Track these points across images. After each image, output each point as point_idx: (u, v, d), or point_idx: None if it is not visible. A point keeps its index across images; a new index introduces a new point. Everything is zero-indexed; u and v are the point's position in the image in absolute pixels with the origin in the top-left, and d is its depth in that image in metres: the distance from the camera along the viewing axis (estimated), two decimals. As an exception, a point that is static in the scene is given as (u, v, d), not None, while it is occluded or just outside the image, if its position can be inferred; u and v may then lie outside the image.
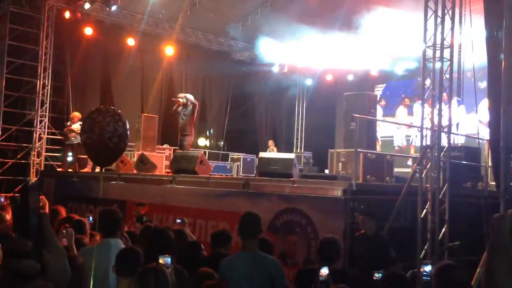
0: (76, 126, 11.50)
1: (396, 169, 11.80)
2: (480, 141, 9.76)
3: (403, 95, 16.45)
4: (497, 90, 6.08)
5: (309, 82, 18.98)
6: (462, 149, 8.55)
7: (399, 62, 15.32)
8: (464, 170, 7.98)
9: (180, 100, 10.32)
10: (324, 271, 3.33)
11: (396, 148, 16.23)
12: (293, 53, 16.36)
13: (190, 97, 10.73)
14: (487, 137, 7.88)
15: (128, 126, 4.14)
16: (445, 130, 6.67)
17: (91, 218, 5.68)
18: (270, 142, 16.45)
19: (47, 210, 7.13)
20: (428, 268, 3.83)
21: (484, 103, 10.56)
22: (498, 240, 1.65)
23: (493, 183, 7.81)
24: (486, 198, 7.26)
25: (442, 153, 6.47)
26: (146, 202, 8.28)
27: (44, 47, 13.39)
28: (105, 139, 3.80)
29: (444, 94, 6.60)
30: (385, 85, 16.87)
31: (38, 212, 2.96)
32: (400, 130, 15.84)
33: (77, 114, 12.02)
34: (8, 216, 4.49)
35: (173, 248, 3.82)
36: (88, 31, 13.76)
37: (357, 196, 6.56)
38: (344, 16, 14.59)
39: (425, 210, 6.28)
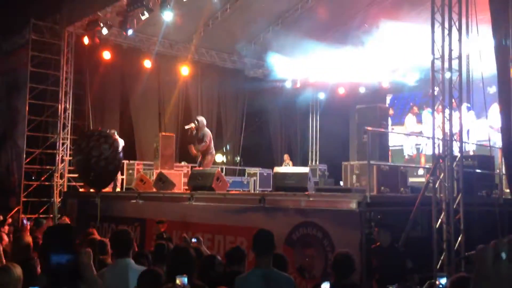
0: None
1: (410, 179, 11.71)
2: (493, 147, 9.61)
3: (411, 103, 16.34)
4: (507, 97, 6.04)
5: (321, 96, 18.97)
6: (475, 158, 8.44)
7: (410, 73, 15.25)
8: (478, 179, 7.87)
9: (193, 125, 10.36)
10: (325, 286, 3.34)
11: (406, 157, 16.06)
12: (305, 68, 16.42)
13: (202, 121, 10.66)
14: (499, 143, 7.78)
15: (118, 146, 4.15)
16: (457, 139, 6.61)
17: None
18: (286, 156, 16.45)
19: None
20: (443, 280, 3.78)
21: (494, 108, 10.43)
22: (482, 271, 1.66)
23: (508, 190, 7.70)
24: (502, 205, 7.15)
25: (454, 163, 6.41)
26: (165, 220, 8.33)
27: (64, 72, 13.67)
28: (91, 164, 3.83)
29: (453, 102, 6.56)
30: (392, 95, 16.81)
31: (88, 266, 3.00)
32: (410, 139, 15.66)
33: (112, 131, 12.21)
34: (29, 238, 4.53)
35: (193, 266, 3.81)
36: (106, 55, 14.02)
37: (372, 208, 6.52)
38: (354, 30, 14.66)
39: (440, 220, 6.20)
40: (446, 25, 6.61)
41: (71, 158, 13.82)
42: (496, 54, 6.82)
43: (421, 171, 13.31)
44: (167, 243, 5.22)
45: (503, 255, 1.61)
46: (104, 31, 12.98)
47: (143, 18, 12.06)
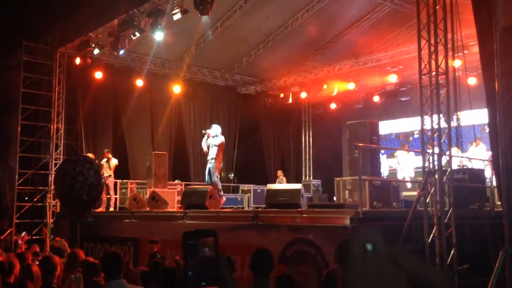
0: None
1: (404, 193, 11.75)
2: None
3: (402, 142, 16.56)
4: (494, 110, 6.12)
5: (314, 111, 19.11)
6: (466, 171, 8.52)
7: (400, 88, 15.44)
8: (469, 192, 7.93)
9: (209, 131, 10.41)
10: None
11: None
12: (296, 84, 16.58)
13: (218, 130, 10.69)
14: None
15: (101, 171, 4.19)
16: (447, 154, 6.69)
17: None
18: (279, 172, 16.48)
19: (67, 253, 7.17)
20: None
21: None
22: (349, 263, 1.71)
23: (499, 203, 7.75)
24: (493, 218, 7.19)
25: (445, 177, 6.47)
26: (158, 239, 8.30)
27: (56, 92, 13.70)
28: (76, 190, 3.84)
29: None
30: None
31: None
32: (402, 167, 15.57)
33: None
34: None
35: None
36: (98, 75, 14.08)
37: (365, 224, 6.54)
38: (345, 46, 14.87)
39: (432, 235, 6.24)
40: (432, 41, 6.74)
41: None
42: (483, 69, 6.93)
43: (409, 185, 13.34)
44: (162, 261, 5.21)
45: (369, 246, 1.64)
46: (96, 51, 13.07)
47: (134, 38, 12.17)
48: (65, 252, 7.17)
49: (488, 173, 9.13)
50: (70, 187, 3.85)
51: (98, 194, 4.16)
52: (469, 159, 10.64)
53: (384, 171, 14.31)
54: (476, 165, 10.09)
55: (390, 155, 16.14)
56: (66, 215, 12.65)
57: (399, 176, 13.85)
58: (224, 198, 11.06)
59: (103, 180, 3.70)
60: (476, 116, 9.49)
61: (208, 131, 10.42)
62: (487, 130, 12.10)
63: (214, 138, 10.31)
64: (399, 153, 15.10)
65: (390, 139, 17.23)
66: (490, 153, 12.22)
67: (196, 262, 2.53)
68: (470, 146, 11.96)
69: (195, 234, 2.55)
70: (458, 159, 9.80)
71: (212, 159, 10.09)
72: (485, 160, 10.04)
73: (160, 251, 8.19)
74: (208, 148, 10.34)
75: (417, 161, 14.01)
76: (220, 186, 10.31)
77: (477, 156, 10.65)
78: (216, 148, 10.20)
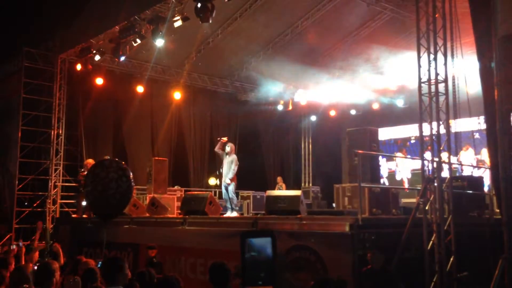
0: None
1: (404, 200, 11.75)
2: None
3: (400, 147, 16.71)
4: (492, 118, 6.12)
5: (313, 118, 19.13)
6: (465, 179, 8.51)
7: (399, 96, 15.51)
8: (468, 200, 7.92)
9: (223, 138, 10.29)
10: None
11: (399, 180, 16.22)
12: (296, 91, 16.61)
13: (233, 147, 10.56)
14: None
15: (132, 178, 4.12)
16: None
17: (100, 263, 5.65)
18: (279, 179, 16.40)
19: (61, 258, 7.16)
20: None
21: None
22: None
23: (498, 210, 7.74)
24: (493, 225, 7.18)
25: (444, 184, 6.46)
26: (155, 245, 8.26)
27: (57, 98, 13.71)
28: (107, 197, 3.79)
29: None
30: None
31: None
32: (400, 169, 15.82)
33: (90, 161, 12.14)
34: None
35: None
36: (99, 81, 14.10)
37: (364, 231, 6.53)
38: (344, 54, 14.91)
39: (431, 242, 6.22)
40: (432, 50, 6.75)
41: (65, 184, 13.78)
42: (481, 77, 6.95)
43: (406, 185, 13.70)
44: (149, 270, 5.11)
45: None
46: (97, 57, 13.09)
47: (135, 44, 12.20)
48: (58, 258, 7.17)
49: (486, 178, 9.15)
50: (103, 194, 3.79)
51: (128, 201, 4.11)
52: (461, 164, 10.83)
53: (384, 173, 14.59)
54: (468, 170, 10.25)
55: (390, 158, 16.52)
56: (67, 221, 12.63)
57: (397, 178, 14.02)
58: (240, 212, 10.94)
59: (133, 184, 3.70)
60: (463, 123, 9.61)
61: (223, 138, 10.31)
62: (476, 136, 12.55)
63: (231, 156, 10.12)
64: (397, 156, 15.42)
65: (389, 144, 17.32)
66: (477, 157, 12.83)
67: (252, 262, 2.51)
68: (461, 150, 12.38)
69: (253, 233, 2.55)
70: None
71: (228, 178, 9.97)
72: (480, 166, 10.13)
73: (157, 256, 8.16)
74: (221, 157, 10.21)
75: (414, 163, 14.51)
76: (236, 201, 10.25)
77: (466, 160, 10.94)
78: (233, 169, 10.01)
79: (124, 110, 15.47)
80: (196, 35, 13.52)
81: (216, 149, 10.28)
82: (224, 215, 9.82)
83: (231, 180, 9.96)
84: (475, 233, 7.15)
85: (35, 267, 5.53)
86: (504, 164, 5.64)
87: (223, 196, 10.15)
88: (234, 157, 10.13)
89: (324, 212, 9.33)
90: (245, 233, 2.52)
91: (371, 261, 5.97)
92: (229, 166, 9.98)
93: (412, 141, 16.29)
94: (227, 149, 10.09)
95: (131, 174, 4.11)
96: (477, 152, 13.17)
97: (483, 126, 6.82)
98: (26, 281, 4.14)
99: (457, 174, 10.23)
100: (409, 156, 15.58)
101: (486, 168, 10.32)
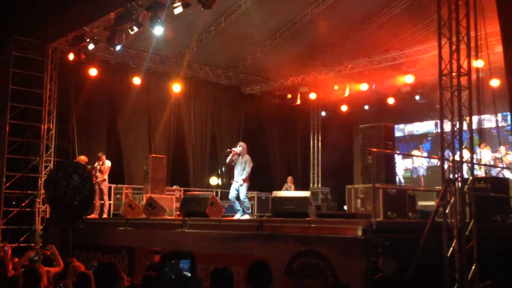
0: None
1: (420, 203, 11.69)
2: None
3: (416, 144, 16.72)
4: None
5: (323, 113, 19.08)
6: (488, 180, 8.45)
7: (416, 90, 15.42)
8: (491, 203, 7.87)
9: (234, 150, 10.28)
10: None
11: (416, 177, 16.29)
12: (305, 84, 16.53)
13: (245, 148, 10.52)
14: None
15: (88, 175, 4.17)
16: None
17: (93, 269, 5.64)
18: (289, 179, 16.12)
19: (60, 261, 7.14)
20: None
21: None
22: None
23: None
24: (517, 231, 7.14)
25: (466, 186, 6.41)
26: (160, 249, 8.24)
27: (48, 90, 13.69)
28: (58, 195, 3.83)
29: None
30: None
31: None
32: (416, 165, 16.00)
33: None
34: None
35: None
36: (93, 71, 14.09)
37: (378, 235, 6.49)
38: (357, 44, 14.83)
39: (451, 248, 6.17)
40: (454, 40, 6.68)
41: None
42: (507, 69, 6.90)
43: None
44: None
45: None
46: (91, 46, 13.06)
47: (132, 33, 12.16)
48: (55, 261, 7.15)
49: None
50: (53, 193, 3.85)
51: (84, 198, 4.14)
52: (487, 165, 10.82)
53: (399, 171, 14.84)
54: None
55: (406, 155, 16.60)
56: (58, 222, 12.65)
57: (414, 175, 14.07)
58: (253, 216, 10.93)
59: (92, 184, 3.66)
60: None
61: (233, 149, 10.30)
62: (494, 133, 12.57)
63: (243, 159, 10.11)
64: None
65: (406, 141, 17.28)
66: (494, 155, 12.92)
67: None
68: (478, 148, 12.53)
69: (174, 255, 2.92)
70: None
71: (241, 179, 9.97)
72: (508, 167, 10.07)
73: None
74: (233, 162, 10.21)
75: (431, 160, 14.54)
76: (248, 203, 10.23)
77: (484, 158, 10.99)
78: (247, 171, 10.00)
79: (120, 103, 15.46)
80: (197, 22, 13.47)
81: (228, 161, 10.28)
82: (234, 218, 9.81)
83: (244, 180, 9.95)
84: (498, 239, 7.10)
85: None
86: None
87: (230, 198, 10.13)
88: (247, 157, 10.16)
89: (335, 215, 9.30)
90: (167, 255, 3.06)
91: (382, 268, 5.94)
92: (242, 167, 9.99)
93: (429, 138, 16.28)
94: (239, 149, 10.09)
95: (96, 171, 4.17)
96: (494, 150, 13.16)
97: (501, 123, 6.81)
98: None
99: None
100: (425, 154, 15.55)
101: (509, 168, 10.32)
